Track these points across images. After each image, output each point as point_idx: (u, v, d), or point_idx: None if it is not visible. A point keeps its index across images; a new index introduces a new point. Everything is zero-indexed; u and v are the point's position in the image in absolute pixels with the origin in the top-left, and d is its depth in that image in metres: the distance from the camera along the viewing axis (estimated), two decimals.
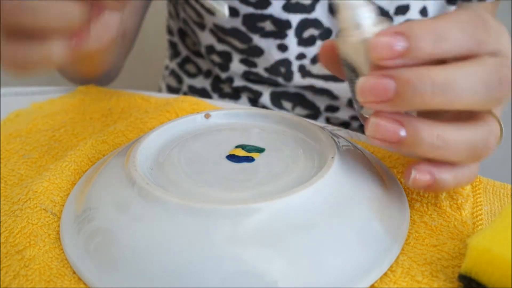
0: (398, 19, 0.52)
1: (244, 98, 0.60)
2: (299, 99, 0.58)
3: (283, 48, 0.54)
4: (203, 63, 0.62)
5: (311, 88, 0.57)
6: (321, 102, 0.58)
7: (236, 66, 0.57)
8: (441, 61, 0.25)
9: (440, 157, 0.25)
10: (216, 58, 0.58)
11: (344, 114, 0.59)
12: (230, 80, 0.59)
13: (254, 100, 0.59)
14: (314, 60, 0.54)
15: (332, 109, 0.58)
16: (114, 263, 0.25)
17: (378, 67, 0.24)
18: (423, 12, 0.52)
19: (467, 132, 0.25)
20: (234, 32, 0.54)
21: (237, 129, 0.34)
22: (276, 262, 0.24)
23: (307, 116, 0.59)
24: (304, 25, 0.52)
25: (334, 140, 0.30)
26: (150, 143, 0.31)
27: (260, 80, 0.58)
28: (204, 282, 0.23)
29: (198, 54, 0.63)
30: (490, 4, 0.55)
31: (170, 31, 0.67)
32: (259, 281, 0.23)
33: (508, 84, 0.24)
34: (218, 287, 0.23)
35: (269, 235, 0.24)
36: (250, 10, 0.52)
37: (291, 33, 0.53)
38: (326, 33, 0.54)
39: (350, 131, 0.40)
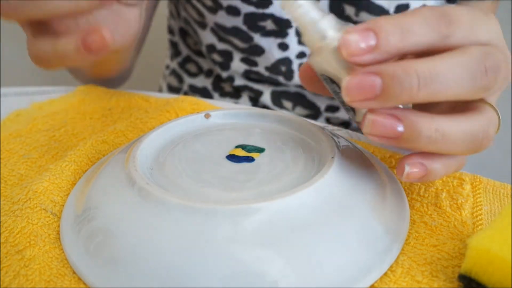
0: None
1: (244, 97, 0.60)
2: (299, 99, 0.58)
3: (284, 47, 0.54)
4: (204, 63, 0.62)
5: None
6: (322, 102, 0.58)
7: (237, 65, 0.57)
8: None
9: (439, 150, 0.25)
10: (217, 57, 0.58)
11: (344, 114, 0.59)
12: (231, 79, 0.59)
13: (255, 100, 0.59)
14: None
15: (332, 109, 0.58)
16: (114, 263, 0.25)
17: (355, 69, 0.24)
18: None
19: (466, 124, 0.25)
20: (235, 31, 0.54)
21: (237, 129, 0.34)
22: (276, 262, 0.24)
23: (307, 116, 0.59)
24: None
25: (334, 140, 0.30)
26: (150, 143, 0.31)
27: (260, 79, 0.58)
28: (204, 282, 0.23)
29: (199, 53, 0.63)
30: (489, 4, 0.55)
31: (171, 31, 0.67)
32: (259, 281, 0.23)
33: (493, 72, 0.24)
34: (218, 287, 0.23)
35: (269, 235, 0.24)
36: (251, 9, 0.52)
37: (291, 32, 0.53)
38: None
39: (350, 131, 0.40)
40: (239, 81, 0.59)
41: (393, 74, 0.23)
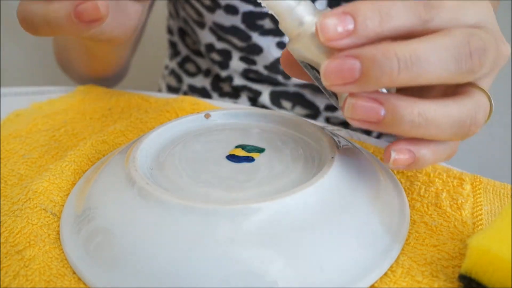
0: None
1: (243, 97, 0.60)
2: (298, 99, 0.58)
3: (282, 45, 0.54)
4: (203, 62, 0.62)
5: (311, 87, 0.57)
6: (321, 102, 0.58)
7: (236, 64, 0.57)
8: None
9: (423, 135, 0.25)
10: (216, 57, 0.58)
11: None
12: (229, 79, 0.59)
13: (254, 100, 0.59)
14: None
15: (331, 108, 0.58)
16: (114, 263, 0.25)
17: (334, 53, 0.24)
18: None
19: (451, 108, 0.24)
20: (233, 30, 0.54)
21: (237, 129, 0.34)
22: (276, 262, 0.24)
23: (307, 116, 0.59)
24: None
25: (334, 140, 0.30)
26: (150, 143, 0.31)
27: (259, 78, 0.58)
28: (204, 282, 0.23)
29: (198, 53, 0.63)
30: (490, 3, 0.55)
31: (170, 31, 0.67)
32: (259, 281, 0.23)
33: (479, 54, 0.24)
34: (218, 287, 0.23)
35: (269, 235, 0.24)
36: (249, 8, 0.52)
37: None
38: None
39: (350, 131, 0.40)
40: (238, 81, 0.59)
41: (373, 57, 0.23)
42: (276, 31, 0.53)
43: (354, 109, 0.24)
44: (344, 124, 0.60)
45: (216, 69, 0.60)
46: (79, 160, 0.34)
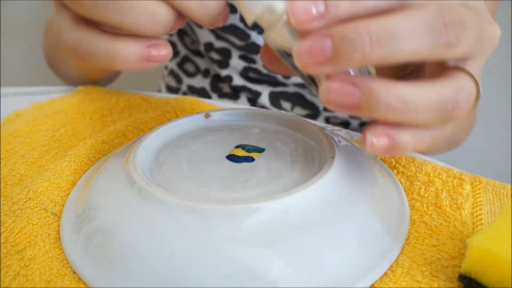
0: None
1: (243, 98, 0.60)
2: (298, 99, 0.58)
3: None
4: (202, 62, 0.62)
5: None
6: (320, 102, 0.58)
7: (236, 62, 0.57)
8: None
9: (402, 119, 0.24)
10: (215, 55, 0.58)
11: (343, 113, 0.59)
12: (229, 79, 0.59)
13: (253, 101, 0.59)
14: None
15: None
16: (114, 263, 0.25)
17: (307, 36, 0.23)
18: None
19: (431, 91, 0.23)
20: (232, 29, 0.54)
21: (237, 129, 0.34)
22: (276, 262, 0.24)
23: (307, 116, 0.59)
24: None
25: (334, 140, 0.30)
26: (150, 143, 0.31)
27: (259, 77, 0.58)
28: (204, 282, 0.23)
29: (197, 53, 0.63)
30: (490, 3, 0.55)
31: None
32: (259, 281, 0.23)
33: (455, 27, 0.23)
34: (218, 287, 0.23)
35: (269, 235, 0.24)
36: None
37: None
38: None
39: (350, 131, 0.40)
40: (237, 81, 0.59)
41: (343, 35, 0.22)
42: None
43: (329, 92, 0.23)
44: (344, 124, 0.60)
45: (215, 69, 0.60)
46: (79, 160, 0.34)
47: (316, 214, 0.25)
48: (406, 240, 0.28)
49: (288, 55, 0.26)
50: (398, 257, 0.26)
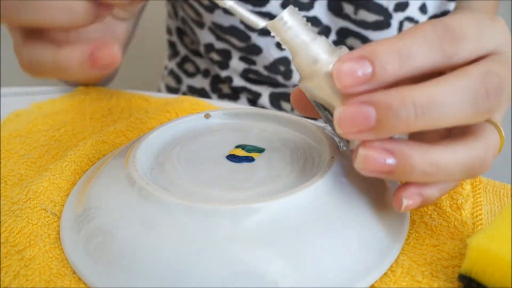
0: (398, 16, 0.52)
1: (243, 99, 0.60)
2: None
3: (281, 46, 0.54)
4: (202, 62, 0.62)
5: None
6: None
7: (236, 64, 0.57)
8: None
9: (434, 181, 0.24)
10: (215, 56, 0.58)
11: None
12: (229, 79, 0.59)
13: (253, 101, 0.59)
14: None
15: None
16: (114, 263, 0.25)
17: (349, 97, 0.23)
18: (423, 8, 0.52)
19: (462, 153, 0.24)
20: (232, 30, 0.54)
21: (237, 129, 0.34)
22: (276, 262, 0.24)
23: (307, 116, 0.58)
24: None
25: (334, 140, 0.30)
26: (150, 143, 0.31)
27: (259, 79, 0.58)
28: (204, 282, 0.23)
29: (196, 53, 0.63)
30: (490, 3, 0.55)
31: (169, 31, 0.67)
32: (259, 281, 0.23)
33: (496, 94, 0.23)
34: (218, 287, 0.23)
35: (269, 235, 0.24)
36: (248, 7, 0.52)
37: None
38: (325, 31, 0.54)
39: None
40: (237, 82, 0.59)
41: (388, 105, 0.22)
42: None
43: (366, 161, 0.23)
44: None
45: (215, 70, 0.60)
46: (79, 160, 0.34)
47: (316, 214, 0.25)
48: (406, 240, 0.28)
49: (324, 108, 0.25)
50: (398, 257, 0.26)
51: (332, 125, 0.26)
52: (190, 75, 0.64)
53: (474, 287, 0.24)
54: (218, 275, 0.23)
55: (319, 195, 0.26)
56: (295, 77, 0.56)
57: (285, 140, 0.32)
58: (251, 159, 0.30)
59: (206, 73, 0.62)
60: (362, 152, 0.23)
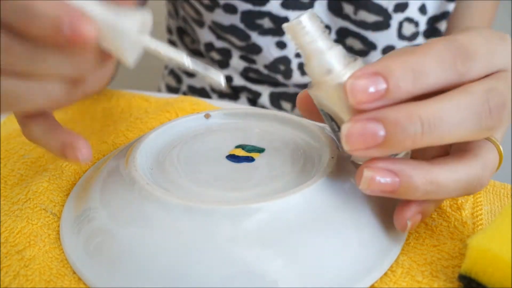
0: (397, 17, 0.52)
1: (243, 98, 0.60)
2: None
3: (282, 45, 0.54)
4: (201, 62, 0.62)
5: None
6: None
7: (236, 63, 0.57)
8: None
9: (433, 198, 0.25)
10: (215, 55, 0.58)
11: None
12: (229, 79, 0.59)
13: (253, 101, 0.59)
14: None
15: None
16: (114, 263, 0.25)
17: (358, 112, 0.23)
18: (422, 9, 0.52)
19: (461, 172, 0.24)
20: (232, 29, 0.54)
21: (237, 129, 0.34)
22: (276, 262, 0.24)
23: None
24: None
25: (334, 140, 0.30)
26: (150, 143, 0.31)
27: (260, 78, 0.58)
28: (204, 282, 0.23)
29: (197, 52, 0.63)
30: (490, 3, 0.55)
31: (169, 30, 0.67)
32: (259, 281, 0.23)
33: (498, 111, 0.23)
34: (218, 287, 0.23)
35: (269, 235, 0.24)
36: (248, 7, 0.52)
37: None
38: None
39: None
40: (237, 81, 0.59)
41: (397, 121, 0.22)
42: (275, 31, 0.53)
43: (371, 183, 0.24)
44: None
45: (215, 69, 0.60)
46: None
47: (316, 214, 0.25)
48: (406, 240, 0.28)
49: (331, 118, 0.25)
50: (398, 257, 0.26)
51: (337, 136, 0.26)
52: (190, 74, 0.64)
53: (474, 287, 0.24)
54: (218, 275, 0.23)
55: (319, 195, 0.26)
56: (295, 76, 0.56)
57: (285, 140, 0.32)
58: (251, 159, 0.30)
59: None
60: (367, 174, 0.24)
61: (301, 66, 0.55)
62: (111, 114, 0.42)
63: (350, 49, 0.54)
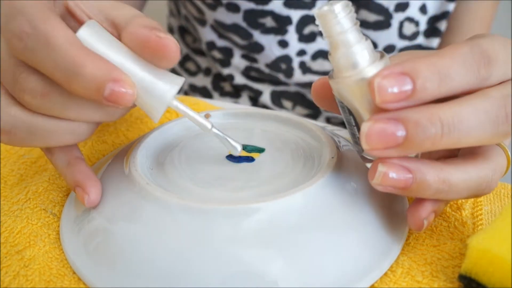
0: (398, 16, 0.52)
1: (244, 96, 0.60)
2: (299, 98, 0.58)
3: (283, 44, 0.54)
4: (203, 61, 0.62)
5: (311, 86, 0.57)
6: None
7: (238, 61, 0.57)
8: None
9: (442, 198, 0.25)
10: (217, 54, 0.58)
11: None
12: (230, 77, 0.59)
13: (255, 99, 0.59)
14: (314, 57, 0.54)
15: None
16: (114, 263, 0.25)
17: (379, 109, 0.23)
18: (423, 9, 0.52)
19: (472, 174, 0.25)
20: (234, 28, 0.54)
21: (237, 129, 0.34)
22: (276, 262, 0.24)
23: (307, 116, 0.59)
24: (304, 21, 0.52)
25: (334, 140, 0.30)
26: (150, 143, 0.31)
27: (261, 77, 0.58)
28: (204, 282, 0.23)
29: (198, 51, 0.63)
30: (490, 3, 0.55)
31: (170, 29, 0.67)
32: (259, 281, 0.23)
33: None
34: (218, 287, 0.23)
35: (269, 235, 0.24)
36: (251, 5, 0.52)
37: (291, 29, 0.53)
38: None
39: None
40: (239, 80, 0.59)
41: (417, 122, 0.22)
42: (277, 30, 0.53)
43: (384, 178, 0.24)
44: (344, 124, 0.60)
45: (217, 68, 0.60)
46: None
47: (316, 214, 0.25)
48: (406, 240, 0.28)
49: (349, 112, 0.25)
50: (398, 257, 0.26)
51: (352, 129, 0.26)
52: (192, 73, 0.64)
53: (474, 287, 0.24)
54: (218, 275, 0.23)
55: (319, 195, 0.26)
56: (296, 75, 0.56)
57: (285, 140, 0.32)
58: (251, 159, 0.30)
59: (207, 72, 0.62)
60: (381, 169, 0.24)
61: (302, 65, 0.55)
62: None
63: None
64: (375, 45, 0.53)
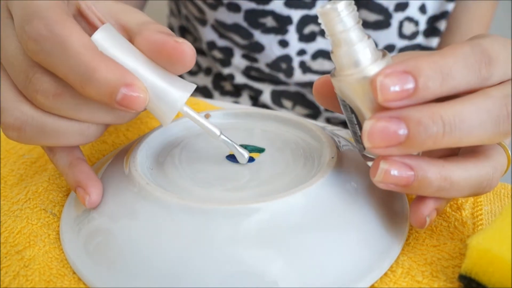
0: (398, 16, 0.52)
1: (244, 96, 0.60)
2: (299, 98, 0.58)
3: (284, 44, 0.54)
4: (203, 61, 0.62)
5: (312, 86, 0.57)
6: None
7: (238, 61, 0.57)
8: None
9: (443, 196, 0.25)
10: (217, 54, 0.58)
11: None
12: (231, 77, 0.59)
13: (255, 98, 0.59)
14: (314, 56, 0.54)
15: None
16: (114, 263, 0.25)
17: (381, 108, 0.23)
18: (422, 9, 0.52)
19: (473, 172, 0.25)
20: (235, 27, 0.54)
21: (237, 129, 0.34)
22: (276, 262, 0.24)
23: (307, 116, 0.59)
24: (305, 21, 0.52)
25: (334, 140, 0.30)
26: (150, 143, 0.31)
27: (261, 76, 0.58)
28: (204, 282, 0.23)
29: (198, 51, 0.63)
30: (490, 3, 0.55)
31: (170, 29, 0.67)
32: (259, 281, 0.23)
33: None
34: (218, 287, 0.23)
35: (269, 235, 0.24)
36: (251, 5, 0.52)
37: (292, 29, 0.53)
38: None
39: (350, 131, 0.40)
40: (239, 79, 0.59)
41: (419, 121, 0.22)
42: (278, 30, 0.53)
43: (386, 175, 0.24)
44: (344, 124, 0.60)
45: (217, 67, 0.60)
46: None
47: (316, 214, 0.25)
48: (406, 240, 0.28)
49: (351, 110, 0.25)
50: (398, 257, 0.26)
51: (353, 128, 0.26)
52: (192, 73, 0.64)
53: (474, 287, 0.24)
54: (218, 275, 0.23)
55: (319, 195, 0.26)
56: (297, 74, 0.56)
57: (285, 140, 0.32)
58: (251, 159, 0.30)
59: (208, 71, 0.62)
60: (383, 166, 0.24)
61: (302, 65, 0.55)
62: None
63: None
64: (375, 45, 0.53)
